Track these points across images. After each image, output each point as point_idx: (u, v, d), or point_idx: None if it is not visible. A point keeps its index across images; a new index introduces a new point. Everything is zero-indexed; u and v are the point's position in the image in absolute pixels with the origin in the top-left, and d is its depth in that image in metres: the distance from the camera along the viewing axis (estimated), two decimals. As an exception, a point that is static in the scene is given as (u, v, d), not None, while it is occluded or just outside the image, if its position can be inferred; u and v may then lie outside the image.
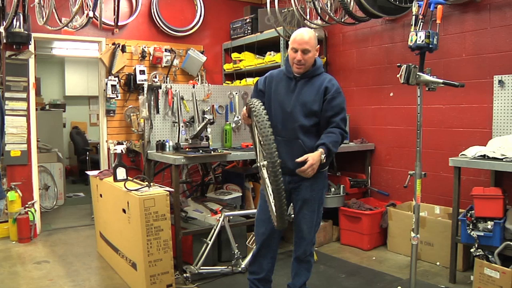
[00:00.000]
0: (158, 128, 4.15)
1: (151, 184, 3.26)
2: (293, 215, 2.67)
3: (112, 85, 4.76)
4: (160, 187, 3.28)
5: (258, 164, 2.45)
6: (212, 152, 3.76)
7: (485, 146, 3.35)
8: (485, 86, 3.61)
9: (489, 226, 3.07)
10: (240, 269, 3.50)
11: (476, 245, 3.08)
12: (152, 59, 5.08)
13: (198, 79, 5.36)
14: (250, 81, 5.13)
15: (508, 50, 3.49)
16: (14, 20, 4.13)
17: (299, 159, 2.33)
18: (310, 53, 2.48)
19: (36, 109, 4.93)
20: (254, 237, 2.89)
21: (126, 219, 3.21)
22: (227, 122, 4.50)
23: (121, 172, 3.44)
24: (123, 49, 4.88)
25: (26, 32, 4.33)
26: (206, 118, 3.91)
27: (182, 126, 4.24)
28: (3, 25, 4.13)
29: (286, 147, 2.50)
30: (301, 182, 2.51)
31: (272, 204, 2.35)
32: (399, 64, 2.59)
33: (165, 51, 5.13)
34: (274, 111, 2.56)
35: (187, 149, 3.80)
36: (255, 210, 2.81)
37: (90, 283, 3.38)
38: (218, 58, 5.66)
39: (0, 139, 2.14)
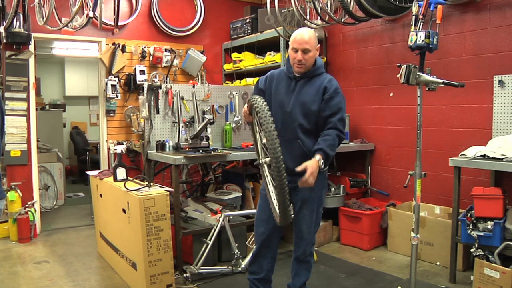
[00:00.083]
0: (158, 128, 4.15)
1: (151, 184, 3.26)
2: (292, 215, 2.67)
3: (112, 85, 4.76)
4: (160, 187, 3.28)
5: (260, 161, 2.45)
6: (212, 152, 3.76)
7: (485, 146, 3.35)
8: (485, 86, 3.61)
9: (489, 226, 3.07)
10: (240, 269, 3.50)
11: (476, 245, 3.08)
12: (152, 59, 5.08)
13: (198, 79, 5.36)
14: (250, 81, 5.13)
15: (508, 50, 3.49)
16: (14, 20, 4.13)
17: (299, 168, 2.30)
18: (311, 53, 2.48)
19: (36, 109, 4.93)
20: (254, 237, 2.89)
21: (126, 219, 3.21)
22: (227, 122, 4.50)
23: (121, 172, 3.44)
24: (123, 49, 4.88)
25: (26, 32, 4.33)
26: (206, 118, 3.91)
27: (182, 126, 4.24)
28: (3, 25, 4.13)
29: (286, 147, 2.50)
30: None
31: (274, 202, 2.35)
32: (399, 64, 2.59)
33: (165, 51, 5.13)
34: (274, 110, 2.55)
35: (187, 149, 3.80)
36: (255, 210, 2.81)
37: (90, 283, 3.38)
38: (218, 58, 5.66)
39: (0, 139, 2.14)
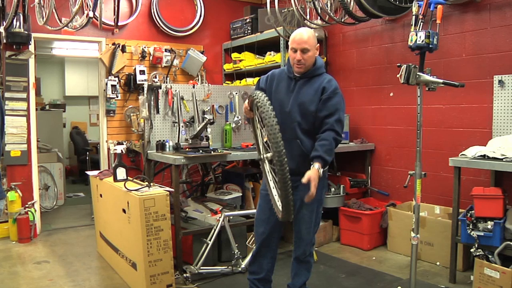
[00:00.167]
0: (158, 128, 4.15)
1: (151, 184, 3.26)
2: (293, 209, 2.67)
3: (112, 85, 4.76)
4: (160, 187, 3.28)
5: (261, 157, 2.45)
6: (212, 152, 3.76)
7: (485, 146, 3.35)
8: (485, 86, 3.61)
9: (489, 226, 3.07)
10: (240, 269, 3.50)
11: (476, 245, 3.08)
12: (152, 59, 5.08)
13: (198, 79, 5.36)
14: (250, 81, 5.13)
15: (508, 50, 3.49)
16: (14, 20, 4.13)
17: (304, 180, 2.29)
18: (310, 52, 2.48)
19: (36, 109, 4.93)
20: (254, 237, 2.89)
21: (126, 219, 3.21)
22: (227, 122, 4.50)
23: (121, 172, 3.44)
24: (123, 49, 4.88)
25: (26, 32, 4.33)
26: (206, 118, 3.91)
27: (182, 126, 4.24)
28: (3, 25, 4.13)
29: (285, 146, 2.49)
30: (300, 182, 2.51)
31: (276, 197, 2.35)
32: (399, 64, 2.59)
33: (165, 51, 5.13)
34: (274, 110, 2.55)
35: (187, 149, 3.80)
36: (255, 210, 2.81)
37: (90, 283, 3.38)
38: (218, 58, 5.66)
39: (0, 139, 2.14)
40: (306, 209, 2.57)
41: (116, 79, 4.81)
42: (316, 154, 2.39)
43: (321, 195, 2.62)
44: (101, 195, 3.80)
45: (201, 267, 3.40)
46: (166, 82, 5.05)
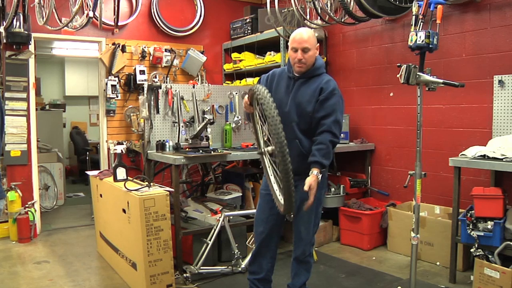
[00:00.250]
0: (158, 128, 4.15)
1: (151, 184, 3.26)
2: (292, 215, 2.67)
3: (112, 85, 4.76)
4: (160, 187, 3.28)
5: (262, 150, 2.45)
6: (212, 152, 3.76)
7: (485, 146, 3.35)
8: (485, 86, 3.61)
9: (489, 226, 3.07)
10: (240, 269, 3.50)
11: (476, 245, 3.08)
12: (152, 59, 5.08)
13: (198, 79, 5.36)
14: (250, 81, 5.13)
15: (508, 50, 3.49)
16: (14, 20, 4.13)
17: (306, 188, 2.30)
18: (310, 52, 2.47)
19: (36, 109, 4.93)
20: (254, 237, 2.89)
21: (126, 219, 3.21)
22: (227, 122, 4.50)
23: (121, 172, 3.44)
24: (123, 49, 4.88)
25: (26, 32, 4.33)
26: (206, 118, 3.91)
27: (182, 126, 4.24)
28: (3, 25, 4.13)
29: None
30: (299, 182, 2.50)
31: (277, 192, 2.35)
32: (399, 64, 2.59)
33: (165, 51, 5.13)
34: None
35: (187, 149, 3.80)
36: (255, 210, 2.81)
37: (90, 283, 3.38)
38: (218, 58, 5.66)
39: (0, 139, 2.14)
40: (308, 208, 2.56)
41: (116, 79, 4.81)
42: (314, 159, 2.39)
43: (320, 195, 2.61)
44: (101, 195, 3.80)
45: (201, 267, 3.40)
46: (166, 82, 5.05)
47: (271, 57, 4.86)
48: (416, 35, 2.57)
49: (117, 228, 3.46)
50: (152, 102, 4.12)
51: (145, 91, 4.11)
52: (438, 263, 3.68)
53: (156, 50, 5.06)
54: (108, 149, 4.89)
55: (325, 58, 4.92)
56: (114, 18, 4.66)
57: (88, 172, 4.10)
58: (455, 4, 3.76)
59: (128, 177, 3.44)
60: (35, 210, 4.58)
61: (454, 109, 3.88)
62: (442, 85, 2.56)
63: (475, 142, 3.55)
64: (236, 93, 4.63)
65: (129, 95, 4.96)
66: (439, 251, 3.64)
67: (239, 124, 4.58)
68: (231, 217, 3.69)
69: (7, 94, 4.45)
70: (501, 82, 3.42)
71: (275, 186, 2.38)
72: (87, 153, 6.52)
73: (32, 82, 4.62)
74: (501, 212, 3.07)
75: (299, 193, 2.53)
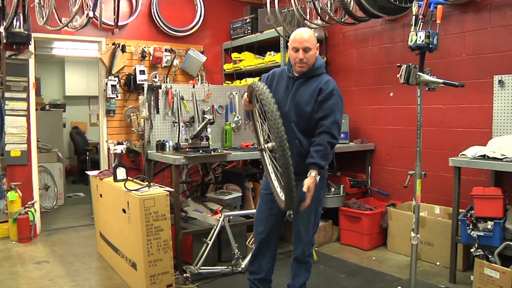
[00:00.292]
0: (158, 128, 4.15)
1: (151, 184, 3.26)
2: (292, 215, 2.67)
3: (112, 85, 4.76)
4: (160, 187, 3.28)
5: (262, 147, 2.45)
6: (212, 152, 3.76)
7: (485, 146, 3.35)
8: (485, 86, 3.61)
9: (489, 226, 3.07)
10: (240, 269, 3.50)
11: (476, 245, 3.08)
12: (152, 59, 5.08)
13: (198, 79, 5.36)
14: (250, 81, 5.13)
15: (508, 50, 3.49)
16: (14, 20, 4.13)
17: (305, 189, 2.30)
18: (311, 51, 2.47)
19: (36, 109, 4.93)
20: (254, 237, 2.89)
21: (126, 219, 3.21)
22: (227, 122, 4.51)
23: (121, 172, 3.44)
24: (123, 49, 4.87)
25: (26, 32, 4.33)
26: (206, 118, 3.91)
27: (182, 126, 4.24)
28: (3, 25, 4.13)
29: None
30: (298, 182, 2.50)
31: (278, 189, 2.34)
32: (399, 64, 2.59)
33: (165, 51, 5.12)
34: None
35: (187, 149, 3.80)
36: (255, 210, 2.81)
37: (90, 283, 3.38)
38: (218, 58, 5.66)
39: (0, 139, 2.14)
40: (305, 209, 2.56)
41: (116, 79, 4.81)
42: (312, 161, 2.38)
43: (320, 195, 2.61)
44: (101, 195, 3.80)
45: (201, 267, 3.40)
46: (166, 82, 5.05)
47: (271, 57, 4.86)
48: (416, 35, 2.57)
49: (117, 228, 3.46)
50: (152, 102, 4.12)
51: (145, 91, 4.11)
52: (438, 263, 3.68)
53: (156, 50, 5.06)
54: (108, 149, 4.89)
55: (325, 58, 4.92)
56: (114, 18, 4.66)
57: (88, 172, 4.10)
58: (455, 4, 3.76)
59: (128, 177, 3.44)
60: (35, 210, 4.58)
61: (454, 109, 3.88)
62: (442, 85, 2.56)
63: (475, 142, 3.55)
64: (236, 93, 4.63)
65: (129, 95, 4.96)
66: (439, 251, 3.64)
67: (239, 124, 4.58)
68: (231, 217, 3.69)
69: (7, 94, 4.45)
70: (501, 82, 3.42)
71: (276, 183, 2.38)
72: (87, 153, 6.52)
73: (32, 82, 4.62)
74: (501, 212, 3.07)
75: (299, 194, 2.53)
